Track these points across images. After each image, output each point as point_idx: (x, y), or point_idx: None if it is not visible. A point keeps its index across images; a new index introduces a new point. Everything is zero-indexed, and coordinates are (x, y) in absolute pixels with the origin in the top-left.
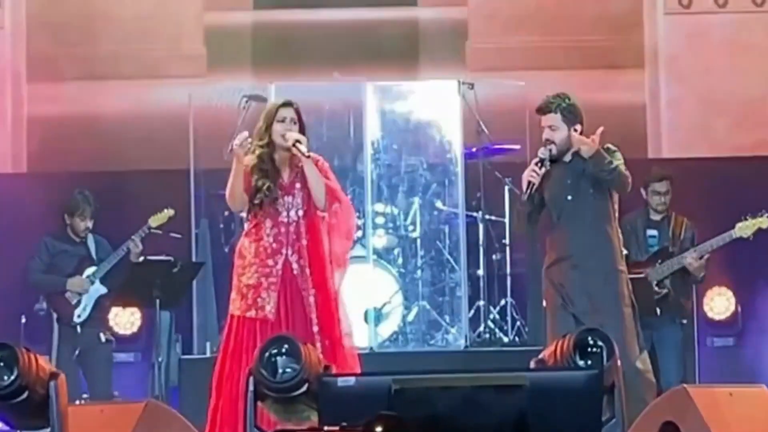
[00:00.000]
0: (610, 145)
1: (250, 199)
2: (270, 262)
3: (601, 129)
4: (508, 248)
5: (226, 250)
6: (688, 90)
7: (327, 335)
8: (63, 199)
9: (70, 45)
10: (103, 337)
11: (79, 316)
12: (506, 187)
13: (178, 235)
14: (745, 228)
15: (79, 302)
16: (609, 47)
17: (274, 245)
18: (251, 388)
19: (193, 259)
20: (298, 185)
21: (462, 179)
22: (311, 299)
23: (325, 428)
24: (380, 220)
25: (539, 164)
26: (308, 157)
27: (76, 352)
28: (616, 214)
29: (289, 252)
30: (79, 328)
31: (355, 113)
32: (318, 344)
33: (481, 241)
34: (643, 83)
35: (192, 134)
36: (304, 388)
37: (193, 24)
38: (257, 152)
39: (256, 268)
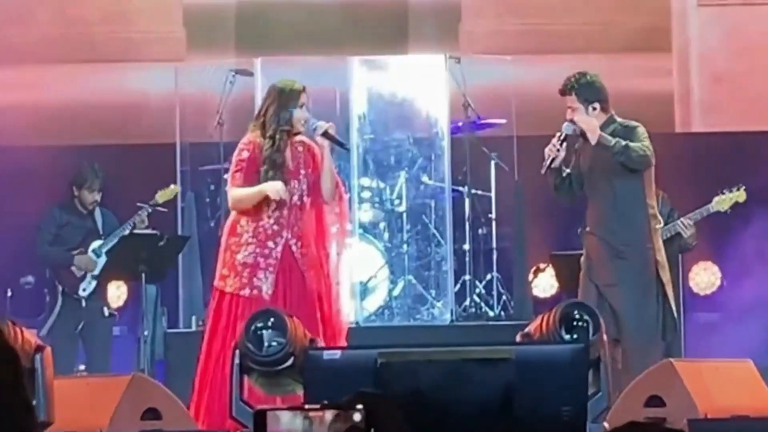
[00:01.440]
0: (631, 122)
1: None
2: (270, 243)
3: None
4: (494, 222)
5: (212, 224)
6: (723, 86)
7: (328, 322)
8: (44, 167)
9: (43, 26)
10: (106, 311)
11: (84, 290)
12: (492, 162)
13: (164, 209)
14: (721, 202)
15: (84, 276)
16: (612, 32)
17: (275, 227)
18: (237, 361)
19: (179, 233)
20: (303, 171)
21: (448, 154)
22: (314, 285)
23: (307, 406)
24: (366, 194)
25: (560, 138)
26: (348, 149)
27: (81, 325)
28: (650, 190)
29: (289, 236)
30: (84, 302)
31: (341, 88)
32: (320, 331)
33: (467, 216)
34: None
35: (178, 108)
36: (290, 362)
37: (173, 4)
38: (277, 137)
39: (254, 247)
